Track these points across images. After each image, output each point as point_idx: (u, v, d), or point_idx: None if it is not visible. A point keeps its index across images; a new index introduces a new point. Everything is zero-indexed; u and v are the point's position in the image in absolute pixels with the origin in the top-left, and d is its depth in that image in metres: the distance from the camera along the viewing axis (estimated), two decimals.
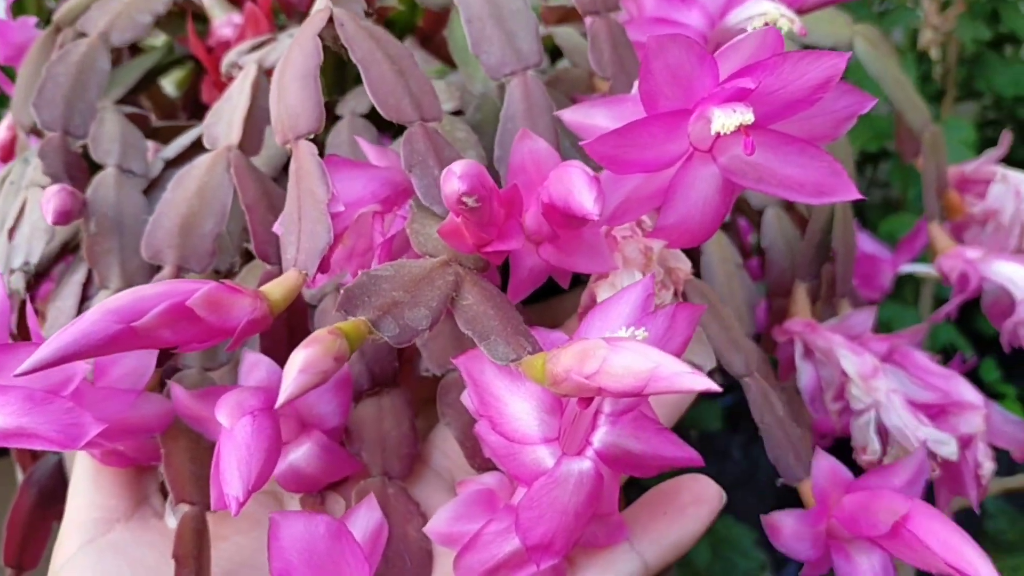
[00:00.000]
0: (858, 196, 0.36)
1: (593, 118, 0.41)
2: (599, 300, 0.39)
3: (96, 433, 0.36)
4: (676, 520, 0.39)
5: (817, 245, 0.54)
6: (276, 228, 0.41)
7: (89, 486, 0.43)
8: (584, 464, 0.33)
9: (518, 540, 0.34)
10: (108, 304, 0.33)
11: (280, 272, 0.43)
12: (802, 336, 0.53)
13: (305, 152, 0.40)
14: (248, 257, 0.50)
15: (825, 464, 0.43)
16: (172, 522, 0.40)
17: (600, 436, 0.34)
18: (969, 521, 0.96)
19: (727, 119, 0.32)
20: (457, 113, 0.50)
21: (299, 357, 0.30)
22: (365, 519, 0.38)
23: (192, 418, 0.40)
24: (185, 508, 0.39)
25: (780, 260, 0.55)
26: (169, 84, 0.71)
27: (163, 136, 0.57)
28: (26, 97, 0.58)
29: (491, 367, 0.34)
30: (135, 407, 0.40)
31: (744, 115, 0.32)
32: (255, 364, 0.41)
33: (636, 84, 0.44)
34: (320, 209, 0.39)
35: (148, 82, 0.66)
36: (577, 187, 0.33)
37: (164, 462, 0.41)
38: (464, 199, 0.32)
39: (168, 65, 0.66)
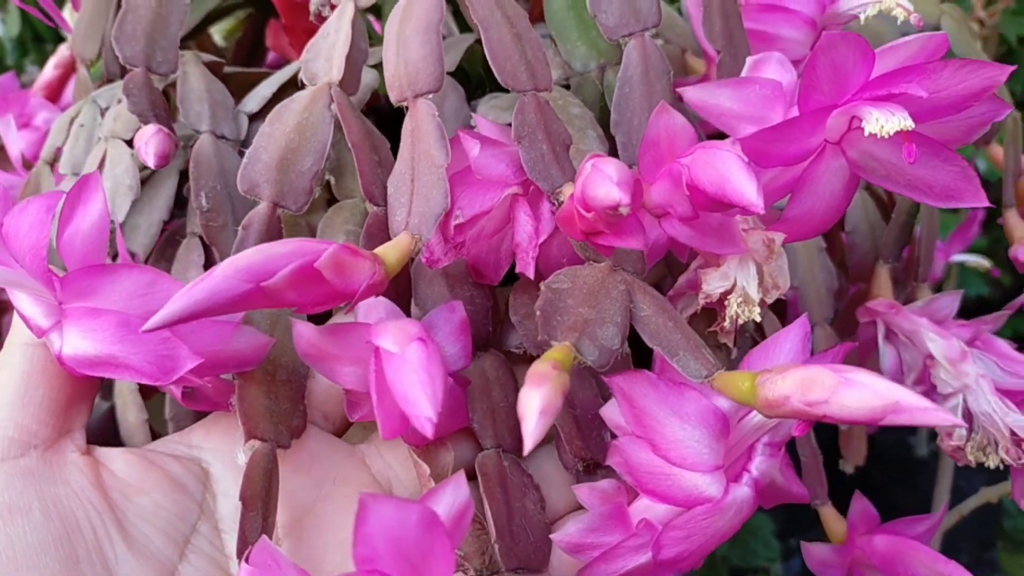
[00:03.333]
0: (987, 203, 0.37)
1: (717, 98, 0.41)
2: (706, 288, 0.40)
3: (191, 368, 0.36)
4: None
5: (902, 226, 0.55)
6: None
7: (13, 401, 0.39)
8: (745, 492, 0.35)
9: (646, 556, 0.35)
10: (238, 262, 0.32)
11: (385, 214, 0.43)
12: (885, 318, 0.54)
13: (424, 112, 0.40)
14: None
15: (860, 505, 0.50)
16: (242, 459, 0.39)
17: (757, 465, 0.36)
18: (988, 519, 1.01)
19: (886, 122, 0.32)
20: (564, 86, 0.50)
21: (535, 398, 0.29)
22: (452, 497, 0.36)
23: (314, 356, 0.39)
24: (257, 444, 0.38)
25: (863, 243, 0.56)
26: (217, 34, 0.70)
27: (232, 82, 0.55)
28: (89, 30, 0.57)
29: (653, 391, 0.34)
30: (232, 340, 0.38)
31: (904, 120, 0.32)
32: (374, 306, 0.40)
33: (748, 64, 0.45)
34: (438, 174, 0.38)
35: (202, 28, 0.65)
36: (736, 176, 0.33)
37: (237, 395, 0.40)
38: (620, 208, 0.32)
39: (224, 11, 0.65)
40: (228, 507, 0.41)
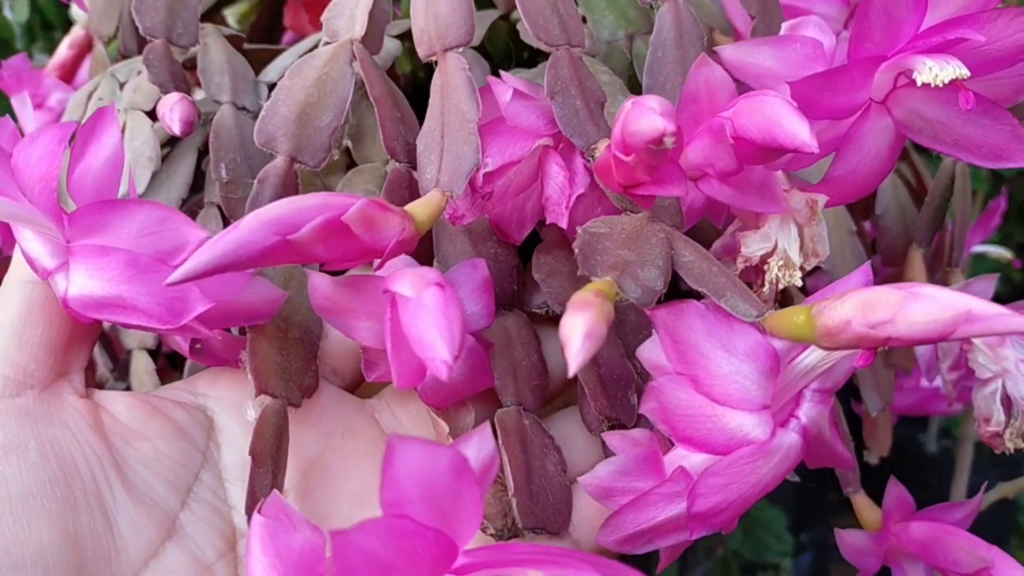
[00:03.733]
0: None
1: (756, 57, 0.40)
2: (745, 251, 0.39)
3: (201, 311, 0.34)
4: None
5: (935, 211, 0.54)
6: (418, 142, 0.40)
7: (10, 339, 0.38)
8: (792, 438, 0.33)
9: (679, 508, 0.33)
10: (265, 214, 0.31)
11: (408, 172, 0.43)
12: None
13: (454, 66, 0.39)
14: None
15: (896, 492, 0.49)
16: (251, 415, 0.38)
17: (806, 411, 0.34)
18: (1002, 515, 1.00)
19: (940, 71, 0.31)
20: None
21: (579, 323, 0.28)
22: (477, 448, 0.36)
23: (330, 309, 0.38)
24: (267, 401, 0.38)
25: (894, 226, 0.56)
26: (231, 17, 0.70)
27: (251, 58, 0.54)
28: (106, 7, 0.57)
29: (702, 323, 0.33)
30: (246, 290, 0.37)
31: (959, 68, 0.31)
32: (393, 264, 0.37)
33: (784, 28, 0.44)
34: (468, 129, 0.37)
35: (217, 10, 0.64)
36: (786, 119, 0.31)
37: (248, 350, 0.39)
38: (665, 139, 0.30)
39: None
40: (232, 457, 0.40)
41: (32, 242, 0.35)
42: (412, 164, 0.43)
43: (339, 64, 0.43)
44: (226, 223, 0.48)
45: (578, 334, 0.28)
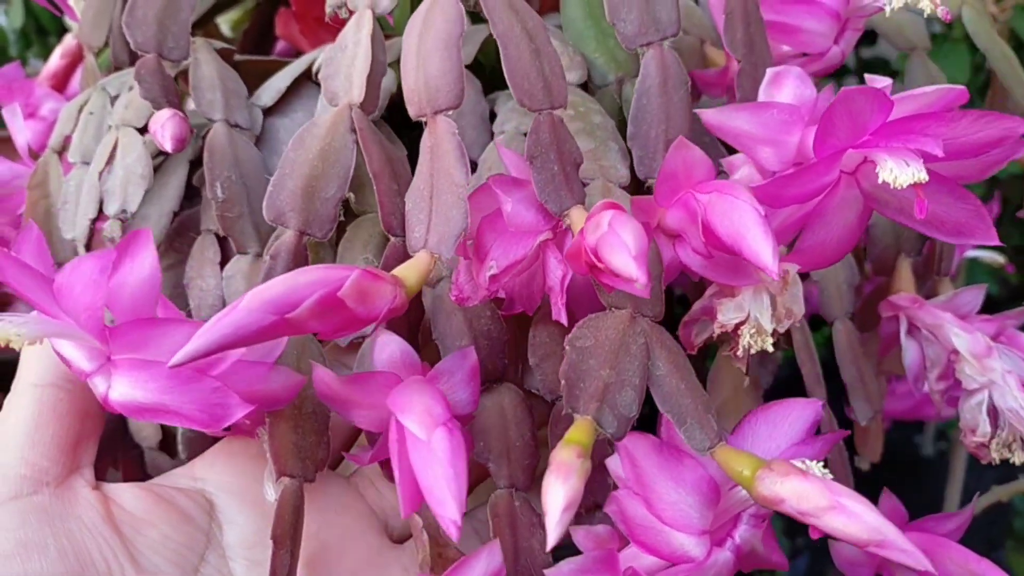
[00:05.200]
0: (997, 242, 0.38)
1: (735, 121, 0.42)
2: (720, 318, 0.42)
3: (241, 416, 0.38)
4: None
5: None
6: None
7: (24, 440, 0.41)
8: (726, 556, 0.39)
9: None
10: (262, 294, 0.33)
11: (403, 244, 0.43)
12: (908, 312, 0.55)
13: (444, 129, 0.40)
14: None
15: (889, 502, 0.51)
16: (271, 495, 0.41)
17: (741, 533, 0.40)
18: (997, 518, 1.01)
19: (900, 173, 0.33)
20: (583, 86, 0.50)
21: (559, 494, 0.31)
22: (486, 562, 0.39)
23: (335, 400, 0.41)
24: (286, 482, 0.40)
25: (884, 236, 0.57)
26: (224, 24, 0.70)
27: (243, 71, 0.56)
28: (96, 18, 0.57)
29: (656, 456, 0.37)
30: (267, 380, 0.40)
31: (918, 172, 0.33)
32: (386, 343, 0.42)
33: (768, 77, 0.45)
34: (457, 194, 0.39)
35: (210, 18, 0.65)
36: (752, 234, 0.34)
37: (268, 434, 0.41)
38: (635, 284, 0.33)
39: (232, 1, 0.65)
40: (234, 535, 0.43)
41: (68, 348, 0.39)
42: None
43: (340, 133, 0.45)
44: (223, 248, 0.51)
45: (558, 507, 0.31)
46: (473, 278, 0.41)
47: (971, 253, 0.82)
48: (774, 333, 0.41)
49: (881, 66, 1.07)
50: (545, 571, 0.40)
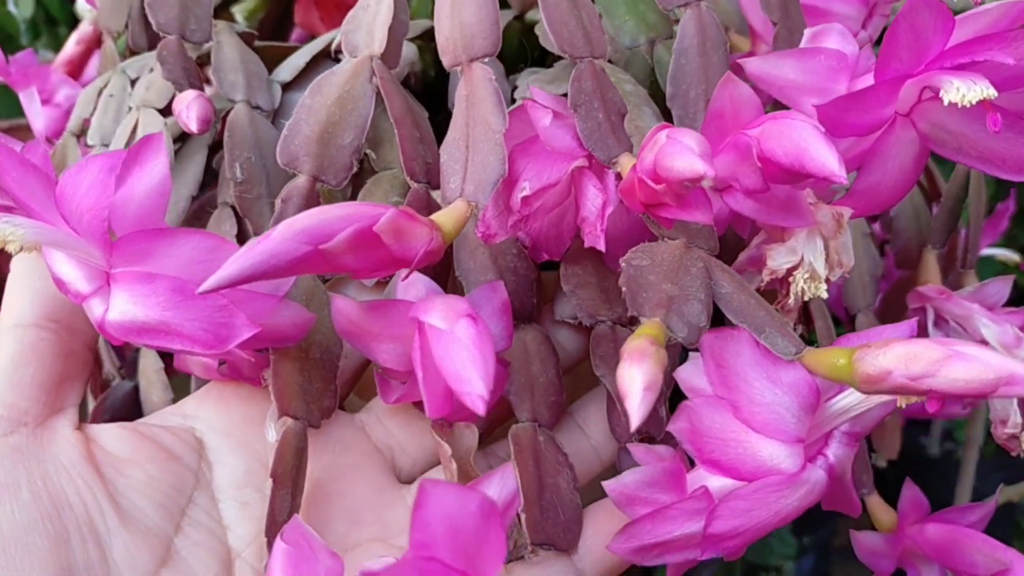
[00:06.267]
0: None
1: (781, 69, 0.41)
2: (771, 264, 0.40)
3: (247, 336, 0.35)
4: None
5: (950, 212, 0.55)
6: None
7: (1, 380, 0.40)
8: (820, 474, 0.35)
9: (697, 526, 0.35)
10: (296, 224, 0.32)
11: (427, 192, 0.44)
12: (936, 303, 0.54)
13: (480, 76, 0.40)
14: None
15: (911, 493, 0.50)
16: (272, 436, 0.39)
17: (834, 450, 0.37)
18: (1005, 519, 1.01)
19: (967, 91, 0.32)
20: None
21: (638, 376, 0.29)
22: (499, 486, 0.38)
23: (353, 333, 0.39)
24: (289, 422, 0.39)
25: (907, 228, 0.57)
26: (238, 14, 0.70)
27: (262, 56, 0.55)
28: (115, 2, 0.57)
29: (750, 352, 0.34)
30: (276, 312, 0.38)
31: (986, 89, 0.32)
32: (412, 283, 0.41)
33: (807, 35, 0.45)
34: (495, 140, 0.38)
35: (225, 7, 0.65)
36: (815, 146, 0.33)
37: (272, 370, 0.40)
38: (703, 182, 0.31)
39: None
40: (225, 476, 0.41)
41: (65, 266, 0.37)
42: (431, 184, 0.44)
43: (359, 82, 0.44)
44: (240, 223, 0.49)
45: (638, 388, 0.29)
46: (500, 212, 0.40)
47: (986, 251, 0.82)
48: (826, 280, 0.39)
49: None
50: (604, 483, 0.38)
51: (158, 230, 0.35)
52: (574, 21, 0.42)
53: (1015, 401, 0.52)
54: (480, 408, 0.31)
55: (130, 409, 0.53)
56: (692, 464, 0.38)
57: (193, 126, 0.44)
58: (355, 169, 0.44)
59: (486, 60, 0.41)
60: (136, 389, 0.53)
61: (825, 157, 0.33)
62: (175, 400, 0.51)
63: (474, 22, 0.41)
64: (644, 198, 0.36)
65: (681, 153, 0.32)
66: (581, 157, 0.39)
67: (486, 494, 0.29)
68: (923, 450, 1.16)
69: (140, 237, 0.35)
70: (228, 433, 0.42)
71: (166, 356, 0.53)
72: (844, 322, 0.56)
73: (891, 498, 0.52)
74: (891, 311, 0.59)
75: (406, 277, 0.37)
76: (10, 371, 0.40)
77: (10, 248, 0.34)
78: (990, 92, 0.33)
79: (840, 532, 1.05)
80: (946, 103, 0.34)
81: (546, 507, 0.40)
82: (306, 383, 0.40)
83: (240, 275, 0.31)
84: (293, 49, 0.58)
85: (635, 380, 0.29)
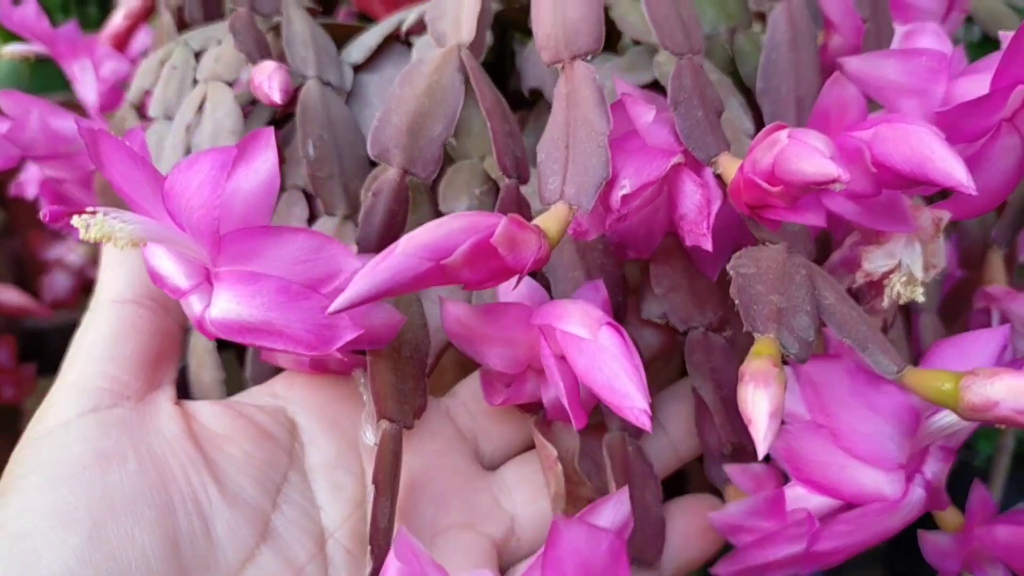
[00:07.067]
0: None
1: (882, 69, 0.41)
2: (867, 266, 0.40)
3: (351, 338, 0.35)
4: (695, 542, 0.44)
5: (1018, 211, 0.56)
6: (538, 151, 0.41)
7: (103, 353, 0.41)
8: (919, 493, 0.36)
9: (800, 547, 0.36)
10: (417, 239, 0.33)
11: (517, 186, 0.44)
12: (1001, 304, 0.53)
13: (583, 74, 0.39)
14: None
15: (980, 494, 0.49)
16: (370, 439, 0.40)
17: (931, 467, 0.37)
18: None
19: None
20: None
21: (763, 400, 0.29)
22: (614, 512, 0.38)
23: (463, 336, 0.39)
24: (386, 425, 0.39)
25: (973, 228, 0.56)
26: None
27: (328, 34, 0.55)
28: None
29: (849, 380, 0.35)
30: (371, 315, 0.38)
31: None
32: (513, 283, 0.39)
33: (899, 34, 0.45)
34: (598, 141, 0.38)
35: None
36: (940, 154, 0.33)
37: (370, 373, 0.40)
38: (836, 185, 0.31)
39: None
40: (317, 457, 0.42)
41: (164, 260, 0.37)
42: (520, 179, 0.44)
43: (448, 72, 0.44)
44: (311, 205, 0.49)
45: (763, 414, 0.29)
46: (595, 210, 0.39)
47: None
48: (921, 283, 0.40)
49: None
50: (710, 514, 0.38)
51: (264, 228, 0.35)
52: (675, 16, 0.42)
53: None
54: (646, 424, 0.32)
55: (179, 388, 0.52)
56: (786, 479, 0.39)
57: (276, 96, 0.44)
58: (442, 161, 0.44)
59: (589, 57, 0.40)
60: (185, 370, 0.53)
61: (952, 166, 0.32)
62: (226, 380, 0.51)
63: (578, 17, 0.40)
64: (751, 199, 0.36)
65: (810, 155, 0.32)
66: (679, 153, 0.39)
67: (616, 535, 0.30)
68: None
69: (247, 235, 0.34)
70: (319, 415, 0.43)
71: None
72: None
73: None
74: (953, 311, 0.59)
75: (516, 286, 0.37)
76: (111, 346, 0.41)
77: (116, 244, 0.34)
78: None
79: None
80: None
81: (635, 522, 0.40)
82: (399, 383, 0.41)
83: (368, 293, 0.32)
84: (354, 29, 0.58)
85: (761, 406, 0.29)
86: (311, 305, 0.35)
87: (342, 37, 0.56)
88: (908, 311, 0.57)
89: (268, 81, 0.44)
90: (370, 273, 0.32)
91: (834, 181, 0.31)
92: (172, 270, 0.37)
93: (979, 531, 0.50)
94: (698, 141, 0.39)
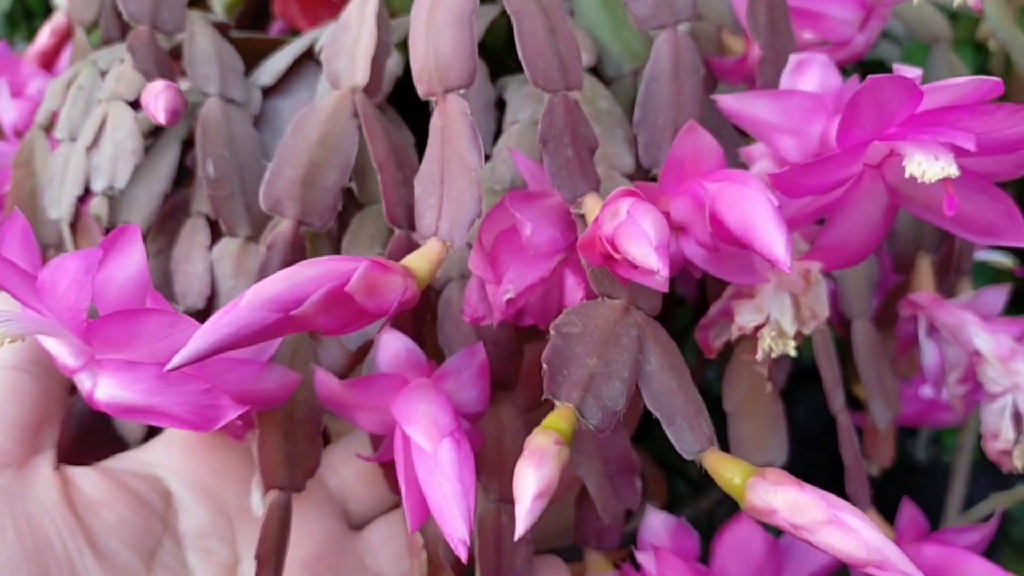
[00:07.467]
0: None
1: (754, 108, 0.41)
2: (739, 320, 0.41)
3: (233, 417, 0.36)
4: None
5: None
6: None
7: None
8: None
9: None
10: (263, 291, 0.32)
11: (409, 237, 0.43)
12: (928, 312, 0.53)
13: (455, 109, 0.39)
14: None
15: (910, 512, 0.51)
16: (258, 508, 0.40)
17: None
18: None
19: (928, 167, 0.32)
20: (591, 70, 0.49)
21: (531, 480, 0.29)
22: None
23: (335, 404, 0.40)
24: (274, 495, 0.39)
25: (905, 232, 0.56)
26: (217, 6, 0.68)
27: (239, 49, 0.54)
28: None
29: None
30: (261, 378, 0.39)
31: (948, 167, 0.32)
32: (390, 342, 0.41)
33: (791, 64, 0.44)
34: (470, 177, 0.38)
35: None
36: (764, 225, 0.32)
37: (258, 442, 0.41)
38: (656, 277, 0.32)
39: None
40: (188, 523, 0.44)
41: (53, 343, 0.38)
42: (414, 228, 0.43)
43: (342, 119, 0.44)
44: (214, 231, 0.49)
45: (529, 494, 0.29)
46: (486, 297, 0.40)
47: (980, 255, 0.80)
48: (797, 335, 0.40)
49: (880, 68, 1.05)
50: None
51: (134, 312, 0.36)
52: (550, 51, 0.41)
53: (1008, 415, 0.51)
54: (463, 554, 0.32)
55: (97, 419, 0.52)
56: None
57: (161, 117, 0.43)
58: (339, 208, 0.44)
59: (461, 92, 0.40)
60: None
61: (773, 240, 0.32)
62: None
63: (449, 51, 0.40)
64: (603, 255, 0.36)
65: (638, 241, 0.32)
66: (562, 251, 0.39)
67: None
68: (910, 456, 1.16)
69: (117, 320, 0.36)
70: (193, 485, 0.45)
71: None
72: (838, 327, 0.56)
73: (878, 502, 0.52)
74: (888, 317, 0.59)
75: (381, 330, 0.38)
76: None
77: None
78: (952, 171, 0.33)
79: None
80: (906, 175, 0.34)
81: None
82: (290, 448, 0.41)
83: (207, 349, 0.31)
84: (272, 43, 0.58)
85: (528, 486, 0.29)
86: (191, 388, 0.36)
87: (257, 53, 0.56)
88: (843, 317, 0.57)
89: (155, 102, 0.44)
90: (211, 328, 0.31)
91: (654, 273, 0.32)
92: (60, 351, 0.39)
93: (908, 550, 0.50)
94: (565, 181, 0.39)
